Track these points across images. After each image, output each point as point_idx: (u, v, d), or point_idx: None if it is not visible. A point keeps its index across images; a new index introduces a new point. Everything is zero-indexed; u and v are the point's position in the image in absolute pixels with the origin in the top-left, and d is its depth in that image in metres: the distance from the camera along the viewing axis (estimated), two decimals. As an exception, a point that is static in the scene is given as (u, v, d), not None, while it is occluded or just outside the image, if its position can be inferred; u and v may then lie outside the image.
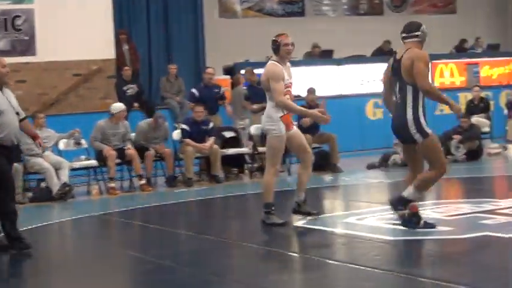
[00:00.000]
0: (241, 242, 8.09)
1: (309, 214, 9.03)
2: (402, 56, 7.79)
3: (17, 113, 8.23)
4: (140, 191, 13.47)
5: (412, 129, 7.69)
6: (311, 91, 15.20)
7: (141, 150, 13.82)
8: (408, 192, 7.80)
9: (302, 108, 8.81)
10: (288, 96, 8.76)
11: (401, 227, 7.91)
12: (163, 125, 14.37)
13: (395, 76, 7.82)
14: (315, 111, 8.90)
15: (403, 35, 7.96)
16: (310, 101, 15.02)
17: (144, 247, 8.46)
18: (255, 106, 15.57)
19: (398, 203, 7.88)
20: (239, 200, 12.16)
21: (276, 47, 8.76)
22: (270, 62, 8.87)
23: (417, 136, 7.66)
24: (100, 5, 17.33)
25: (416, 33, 7.87)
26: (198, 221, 10.61)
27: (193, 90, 15.50)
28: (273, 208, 8.80)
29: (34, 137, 8.82)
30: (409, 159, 8.14)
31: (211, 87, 15.55)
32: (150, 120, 14.49)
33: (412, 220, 7.77)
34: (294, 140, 8.84)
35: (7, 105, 8.08)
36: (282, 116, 8.67)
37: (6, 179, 8.04)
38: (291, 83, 8.87)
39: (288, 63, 8.94)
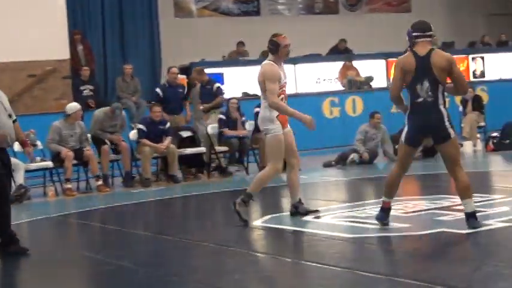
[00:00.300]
0: (200, 242, 8.06)
1: (308, 213, 8.99)
2: (429, 55, 7.61)
3: (9, 115, 8.12)
4: (97, 191, 13.38)
5: (448, 125, 7.62)
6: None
7: (98, 143, 13.73)
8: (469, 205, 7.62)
9: (294, 110, 8.74)
10: (282, 96, 8.78)
11: (359, 225, 7.93)
12: (121, 115, 14.30)
13: (423, 75, 7.59)
14: (307, 115, 8.81)
15: (416, 34, 7.74)
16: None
17: (102, 248, 8.40)
18: (201, 107, 15.54)
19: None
20: (197, 199, 12.13)
21: (275, 47, 8.77)
22: (266, 62, 8.85)
23: (451, 131, 7.62)
24: (54, 5, 17.17)
25: (430, 33, 7.75)
26: (157, 221, 10.56)
27: (157, 90, 15.42)
28: (251, 200, 8.83)
29: (23, 144, 8.76)
30: (409, 159, 8.02)
31: (175, 87, 15.47)
32: (106, 108, 14.38)
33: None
34: (286, 139, 8.85)
35: (0, 107, 7.98)
36: (278, 115, 8.70)
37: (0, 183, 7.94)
38: (285, 83, 8.89)
39: (282, 63, 8.96)
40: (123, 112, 14.54)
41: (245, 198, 8.82)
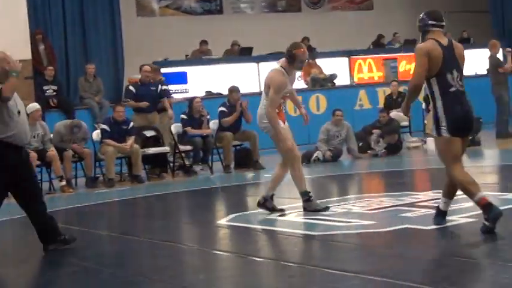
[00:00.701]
0: (165, 242, 8.03)
1: (273, 210, 9.02)
2: (451, 44, 7.47)
3: (18, 111, 7.99)
4: (61, 192, 13.28)
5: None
6: (234, 90, 15.21)
7: (60, 150, 13.64)
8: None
9: (280, 130, 8.77)
10: (283, 100, 8.91)
11: (323, 222, 7.94)
12: (81, 131, 14.17)
13: (451, 64, 7.38)
14: (287, 142, 8.82)
15: (432, 22, 7.52)
16: (233, 100, 15.04)
17: (66, 249, 8.32)
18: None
19: None
20: (162, 199, 12.09)
21: (291, 58, 8.70)
22: (278, 68, 8.81)
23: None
24: (15, 5, 17.00)
25: (443, 24, 7.58)
26: (121, 221, 10.51)
27: (131, 87, 15.33)
28: (310, 195, 8.95)
29: None
30: (459, 152, 7.48)
31: (147, 84, 15.35)
32: (67, 122, 14.31)
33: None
34: None
35: (21, 105, 7.88)
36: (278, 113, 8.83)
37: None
38: (289, 91, 8.94)
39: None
40: (84, 126, 14.37)
41: (305, 196, 8.94)
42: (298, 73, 20.11)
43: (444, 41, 7.43)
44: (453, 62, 7.41)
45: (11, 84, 7.61)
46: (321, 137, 15.36)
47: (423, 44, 7.49)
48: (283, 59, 8.85)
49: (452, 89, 7.34)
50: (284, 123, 9.01)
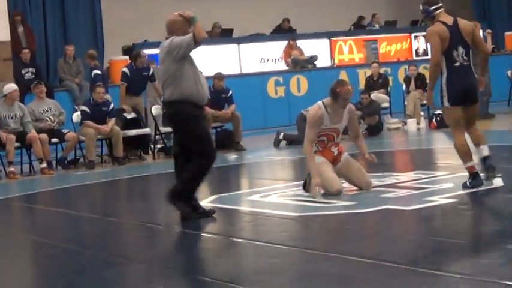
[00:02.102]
0: (146, 223, 8.02)
1: None
2: (457, 23, 8.23)
3: None
4: (41, 174, 13.23)
5: (478, 87, 8.35)
6: (218, 77, 15.14)
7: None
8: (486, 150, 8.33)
9: (313, 166, 8.41)
10: (324, 137, 8.68)
11: (305, 203, 7.96)
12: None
13: (457, 41, 8.14)
14: (317, 180, 8.35)
15: (434, 7, 8.26)
16: (217, 86, 15.00)
17: (46, 231, 8.32)
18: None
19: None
20: (142, 181, 12.07)
21: (335, 96, 8.52)
22: (318, 104, 8.65)
23: (478, 93, 8.34)
24: (-7, -14, 16.89)
25: (441, 4, 8.33)
26: (102, 203, 10.48)
27: (125, 70, 15.25)
28: None
29: None
30: (461, 120, 8.34)
31: (141, 69, 15.32)
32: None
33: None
34: (348, 169, 8.76)
35: None
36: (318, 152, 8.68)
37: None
38: (334, 128, 8.70)
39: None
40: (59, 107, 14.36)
41: None
42: (274, 53, 20.19)
43: (449, 20, 8.27)
44: (458, 39, 8.20)
45: None
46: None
47: (432, 27, 8.28)
48: (328, 97, 8.63)
49: (457, 64, 8.17)
50: (338, 160, 8.73)
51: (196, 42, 7.54)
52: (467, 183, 8.19)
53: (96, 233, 7.97)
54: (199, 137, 7.72)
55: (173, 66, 7.60)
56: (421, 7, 8.42)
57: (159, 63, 7.75)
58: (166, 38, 7.89)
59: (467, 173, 8.21)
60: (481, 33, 17.47)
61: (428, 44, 8.82)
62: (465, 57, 8.18)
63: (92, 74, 15.74)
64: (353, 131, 9.00)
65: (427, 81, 17.94)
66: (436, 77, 8.25)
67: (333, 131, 8.70)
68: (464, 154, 8.21)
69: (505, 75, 20.00)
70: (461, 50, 8.16)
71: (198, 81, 7.68)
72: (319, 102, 8.70)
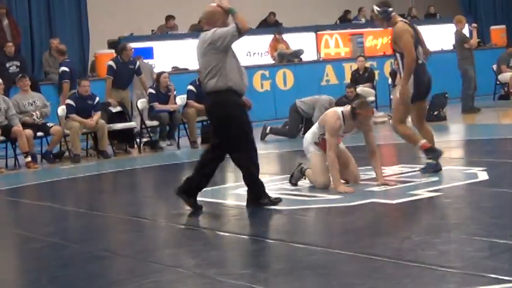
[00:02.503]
0: (131, 217, 8.01)
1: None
2: (412, 24, 9.07)
3: None
4: (26, 168, 13.19)
5: None
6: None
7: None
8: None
9: (337, 177, 8.31)
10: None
11: (291, 197, 7.96)
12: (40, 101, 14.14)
13: (417, 41, 8.84)
14: (343, 188, 8.29)
15: (390, 9, 8.90)
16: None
17: (31, 225, 8.29)
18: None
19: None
20: (128, 174, 12.05)
21: (354, 115, 8.34)
22: (337, 111, 8.52)
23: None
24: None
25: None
26: (87, 197, 10.45)
27: (111, 63, 15.21)
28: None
29: None
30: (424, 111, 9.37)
31: (128, 62, 15.29)
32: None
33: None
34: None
35: None
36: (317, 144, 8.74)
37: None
38: (343, 135, 8.69)
39: None
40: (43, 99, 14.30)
41: None
42: (260, 47, 20.18)
43: (406, 22, 9.08)
44: (417, 38, 8.88)
45: None
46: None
47: (399, 24, 8.85)
48: (348, 108, 8.50)
49: (420, 61, 8.84)
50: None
51: (240, 33, 7.60)
52: (429, 161, 8.90)
53: (81, 227, 7.95)
54: (247, 125, 7.83)
55: (217, 57, 7.62)
56: (377, 8, 8.90)
57: (198, 55, 7.68)
58: (204, 30, 7.86)
59: (450, 167, 8.29)
60: (467, 27, 17.58)
61: (395, 41, 8.80)
62: (424, 56, 8.94)
63: (60, 70, 15.58)
64: (368, 145, 8.62)
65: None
66: (412, 72, 8.74)
67: (341, 136, 8.68)
68: (413, 136, 9.13)
69: (491, 69, 20.07)
70: (420, 48, 8.87)
71: (240, 71, 7.78)
72: (338, 110, 8.54)
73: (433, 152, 8.95)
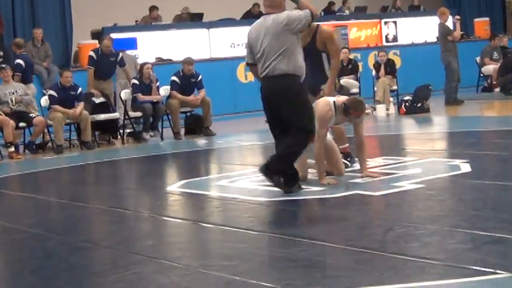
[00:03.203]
0: (114, 208, 7.98)
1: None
2: None
3: None
4: (9, 159, 13.13)
5: None
6: (187, 61, 15.10)
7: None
8: None
9: (322, 170, 8.29)
10: None
11: (274, 188, 7.97)
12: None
13: None
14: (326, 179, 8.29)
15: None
16: (187, 71, 14.97)
17: (14, 216, 8.26)
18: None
19: None
20: (111, 166, 12.02)
21: (346, 112, 8.27)
22: (329, 102, 8.39)
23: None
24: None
25: None
26: (70, 188, 10.40)
27: (92, 54, 15.17)
28: None
29: None
30: None
31: (108, 54, 15.25)
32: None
33: None
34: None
35: None
36: None
37: None
38: (332, 127, 8.79)
39: None
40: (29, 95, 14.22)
41: None
42: (244, 38, 20.11)
43: None
44: None
45: None
46: None
47: (328, 27, 9.51)
48: (341, 100, 8.40)
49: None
50: None
51: (313, 18, 7.77)
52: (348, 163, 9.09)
53: (64, 218, 7.92)
54: (309, 110, 7.81)
55: (290, 40, 7.64)
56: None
57: (267, 36, 7.66)
58: (267, 13, 7.87)
59: (433, 158, 8.29)
60: (450, 19, 17.62)
61: (327, 42, 8.75)
62: None
63: (15, 62, 15.41)
64: (357, 137, 8.54)
65: (396, 67, 18.21)
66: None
67: (330, 127, 8.67)
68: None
69: (474, 61, 20.13)
70: None
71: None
72: (330, 100, 8.43)
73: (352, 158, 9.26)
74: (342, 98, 8.48)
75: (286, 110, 7.68)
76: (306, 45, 8.55)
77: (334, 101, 8.41)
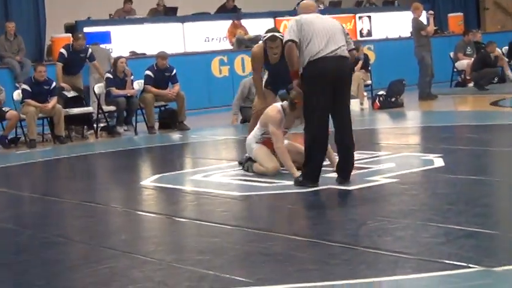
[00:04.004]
0: (87, 203, 7.93)
1: None
2: None
3: None
4: (-20, 153, 13.05)
5: None
6: (161, 56, 15.04)
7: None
8: None
9: (292, 166, 8.22)
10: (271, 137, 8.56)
11: (248, 183, 7.95)
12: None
13: None
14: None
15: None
16: (161, 65, 14.92)
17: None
18: None
19: None
20: (84, 160, 11.96)
21: (292, 106, 8.22)
22: (278, 107, 8.48)
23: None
24: None
25: None
26: (42, 182, 10.34)
27: (63, 50, 15.07)
28: None
29: None
30: None
31: (79, 51, 15.16)
32: None
33: None
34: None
35: None
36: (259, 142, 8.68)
37: None
38: (283, 132, 8.59)
39: None
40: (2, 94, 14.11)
41: None
42: (218, 32, 20.11)
43: None
44: None
45: None
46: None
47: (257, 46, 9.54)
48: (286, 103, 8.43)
49: None
50: (272, 149, 8.61)
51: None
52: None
53: (36, 212, 7.87)
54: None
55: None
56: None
57: (327, 21, 8.17)
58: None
59: (406, 153, 8.28)
60: (424, 14, 17.68)
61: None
62: None
63: None
64: None
65: (371, 62, 18.25)
66: None
67: (284, 132, 8.65)
68: None
69: (448, 56, 20.22)
70: None
71: None
72: (278, 105, 8.52)
73: None
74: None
75: (347, 88, 8.07)
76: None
77: (281, 105, 8.52)
